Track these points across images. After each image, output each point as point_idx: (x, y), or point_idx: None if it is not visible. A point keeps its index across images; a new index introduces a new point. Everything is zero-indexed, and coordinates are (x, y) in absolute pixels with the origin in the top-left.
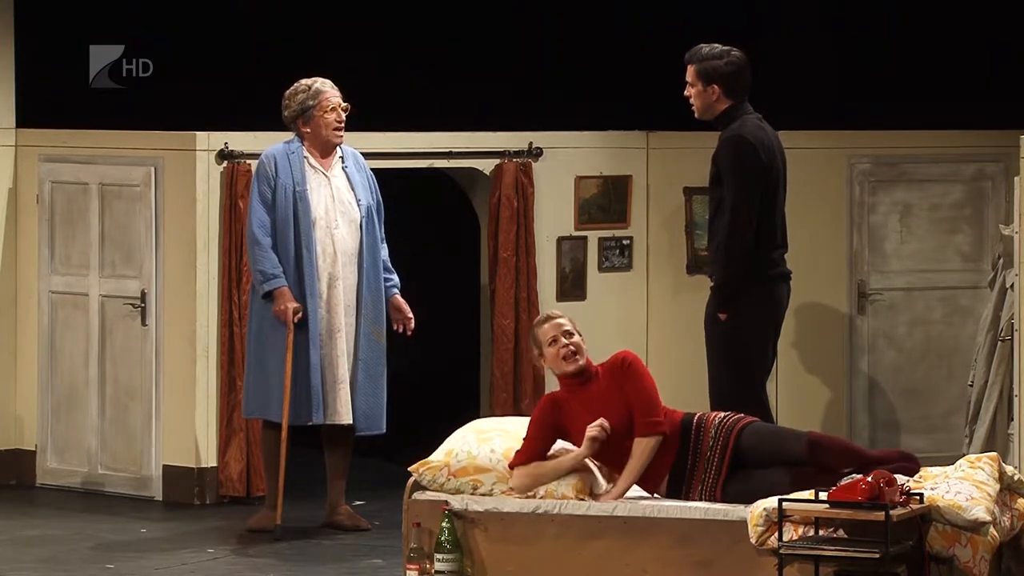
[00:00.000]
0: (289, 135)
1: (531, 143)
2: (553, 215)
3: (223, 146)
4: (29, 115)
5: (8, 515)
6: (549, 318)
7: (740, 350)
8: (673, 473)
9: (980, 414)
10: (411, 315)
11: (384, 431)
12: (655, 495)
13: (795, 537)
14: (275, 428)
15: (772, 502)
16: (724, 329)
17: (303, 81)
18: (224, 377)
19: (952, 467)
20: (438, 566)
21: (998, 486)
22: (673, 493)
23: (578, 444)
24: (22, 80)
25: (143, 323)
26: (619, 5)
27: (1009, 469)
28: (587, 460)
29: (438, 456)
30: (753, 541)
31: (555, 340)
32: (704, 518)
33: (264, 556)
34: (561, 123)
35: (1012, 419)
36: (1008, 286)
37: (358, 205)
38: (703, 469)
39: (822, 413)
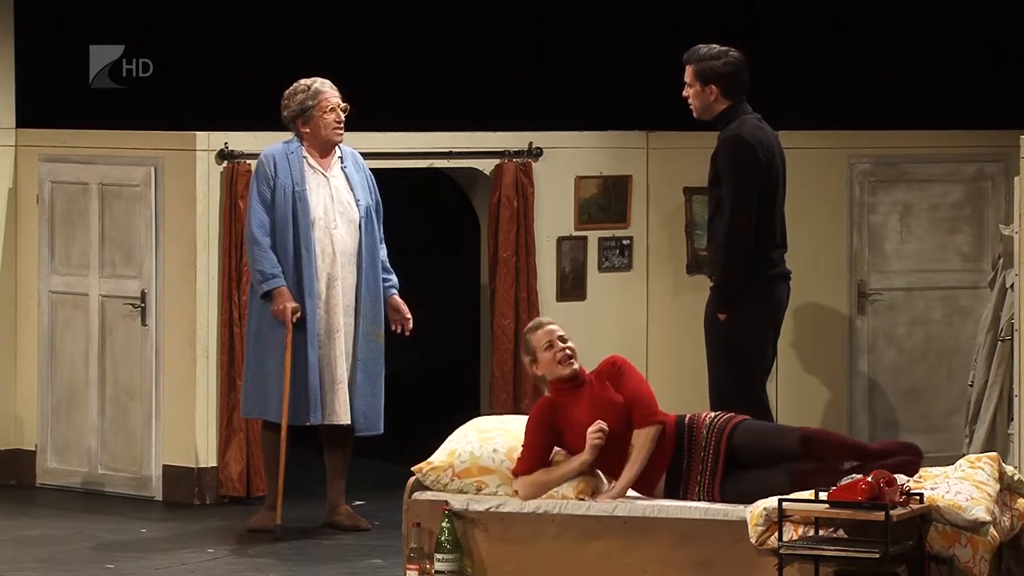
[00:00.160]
0: (289, 135)
1: (531, 143)
2: (553, 215)
3: (223, 146)
4: (29, 115)
5: (8, 515)
6: (541, 324)
7: (740, 350)
8: (669, 475)
9: (980, 414)
10: (409, 316)
11: (382, 431)
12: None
13: (795, 537)
14: (275, 428)
15: (772, 502)
16: (724, 329)
17: (302, 81)
18: (224, 377)
19: (952, 467)
20: (438, 566)
21: (998, 486)
22: (670, 495)
23: (572, 448)
24: (22, 80)
25: (143, 323)
26: (619, 5)
27: (1009, 469)
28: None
29: (441, 456)
30: (753, 541)
31: (551, 344)
32: (704, 518)
33: (264, 556)
34: (561, 123)
35: (1012, 419)
36: (1008, 286)
37: (357, 205)
38: (699, 470)
39: (822, 413)
